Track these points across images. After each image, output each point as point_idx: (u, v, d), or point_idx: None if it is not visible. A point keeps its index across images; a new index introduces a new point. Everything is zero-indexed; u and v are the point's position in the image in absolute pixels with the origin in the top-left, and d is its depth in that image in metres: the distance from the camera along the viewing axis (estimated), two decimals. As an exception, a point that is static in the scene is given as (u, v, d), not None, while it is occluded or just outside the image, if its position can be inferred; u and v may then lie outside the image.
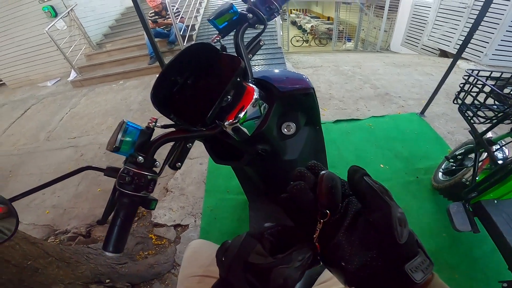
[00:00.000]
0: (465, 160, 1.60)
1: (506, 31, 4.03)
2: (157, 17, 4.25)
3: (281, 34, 4.23)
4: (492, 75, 1.27)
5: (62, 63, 4.95)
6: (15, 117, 3.97)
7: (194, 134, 0.56)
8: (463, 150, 1.59)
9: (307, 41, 11.49)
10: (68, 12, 4.65)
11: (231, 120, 0.56)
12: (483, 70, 1.27)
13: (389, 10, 7.42)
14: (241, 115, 0.56)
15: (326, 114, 2.54)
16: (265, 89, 0.75)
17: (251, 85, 0.60)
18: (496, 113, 1.20)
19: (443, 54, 5.37)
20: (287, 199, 0.29)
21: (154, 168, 0.51)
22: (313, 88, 0.81)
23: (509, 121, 1.19)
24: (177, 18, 4.09)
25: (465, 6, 4.61)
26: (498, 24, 4.01)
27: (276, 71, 0.87)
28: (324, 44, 11.35)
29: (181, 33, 4.11)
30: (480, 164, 1.37)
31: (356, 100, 2.81)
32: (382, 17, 7.79)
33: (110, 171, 0.48)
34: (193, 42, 0.62)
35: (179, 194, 1.95)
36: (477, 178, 1.34)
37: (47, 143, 3.06)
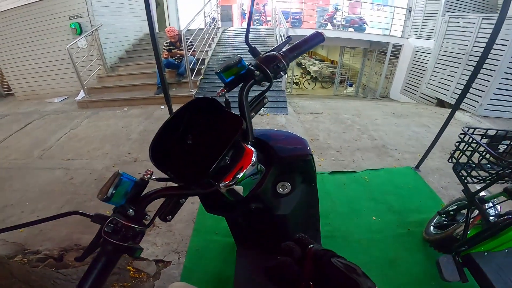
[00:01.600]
0: (457, 215, 1.62)
1: (502, 78, 4.09)
2: (171, 47, 4.46)
3: (286, 76, 4.40)
4: (487, 133, 1.29)
5: (73, 82, 5.07)
6: (14, 130, 3.98)
7: (189, 192, 0.56)
8: (455, 206, 1.61)
9: (298, 83, 11.88)
10: (92, 32, 4.88)
11: (227, 182, 0.55)
12: (479, 128, 1.28)
13: (391, 55, 7.66)
14: (239, 176, 0.55)
15: (323, 165, 2.53)
16: (264, 150, 0.75)
17: (250, 147, 0.59)
18: (490, 174, 1.21)
19: (440, 103, 5.49)
20: (274, 269, 0.33)
21: (143, 220, 0.50)
22: (312, 155, 0.81)
23: (502, 181, 1.20)
24: (189, 51, 4.27)
25: (464, 52, 4.75)
26: (494, 71, 4.08)
27: (276, 131, 0.88)
28: (327, 88, 11.79)
29: (190, 66, 4.28)
30: (471, 220, 1.38)
31: (353, 152, 2.83)
32: (383, 63, 8.06)
33: (97, 218, 0.47)
34: (197, 98, 0.63)
35: (165, 230, 1.89)
36: (468, 233, 1.34)
37: (39, 161, 3.03)
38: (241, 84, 0.66)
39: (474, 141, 1.24)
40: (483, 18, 4.37)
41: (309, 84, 12.21)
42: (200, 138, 0.60)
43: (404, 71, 7.11)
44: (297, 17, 8.82)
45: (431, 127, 3.58)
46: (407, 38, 7.19)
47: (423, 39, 6.61)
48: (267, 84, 0.68)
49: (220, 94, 0.64)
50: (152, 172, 0.52)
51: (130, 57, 5.77)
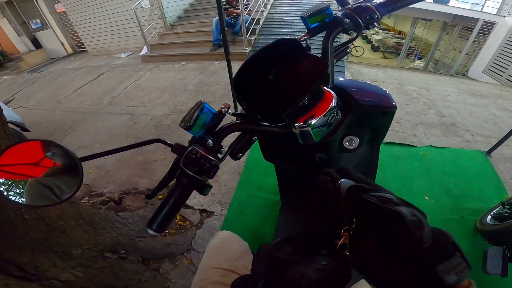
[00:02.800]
0: None
1: None
2: (227, 6, 4.43)
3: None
4: None
5: (139, 39, 5.46)
6: (88, 80, 4.53)
7: (264, 128, 0.55)
8: None
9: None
10: None
11: (301, 123, 0.53)
12: None
13: (479, 32, 6.67)
14: (314, 121, 0.53)
15: None
16: (342, 99, 0.71)
17: (330, 91, 0.57)
18: None
19: None
20: (314, 186, 0.33)
21: (218, 154, 0.51)
22: (396, 107, 0.75)
23: None
24: (246, 10, 4.21)
25: None
26: None
27: (356, 82, 0.83)
28: (389, 59, 10.57)
29: (246, 25, 4.23)
30: None
31: (415, 125, 2.55)
32: (467, 39, 7.00)
33: (177, 148, 0.48)
34: (282, 38, 0.59)
35: (212, 180, 2.01)
36: None
37: (109, 107, 3.43)
38: (326, 32, 0.65)
39: None
40: None
41: (361, 53, 10.93)
42: (281, 78, 0.59)
43: (493, 51, 6.13)
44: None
45: None
46: (504, 17, 6.14)
47: None
48: (355, 34, 0.66)
49: (303, 39, 0.62)
50: (229, 105, 0.52)
51: (188, 16, 5.94)
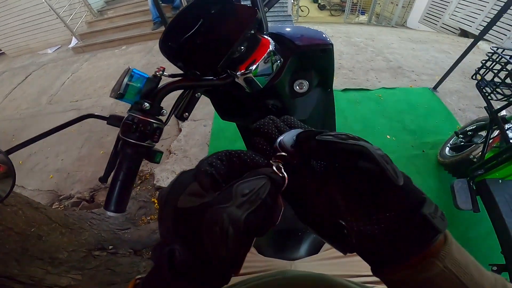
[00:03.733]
0: (475, 136, 1.60)
1: None
2: (163, -20, 4.08)
3: (292, 1, 4.01)
4: None
5: (63, 31, 4.85)
6: (16, 83, 3.93)
7: (204, 83, 0.53)
8: (475, 126, 1.58)
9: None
10: None
11: (243, 71, 0.53)
12: (508, 49, 1.26)
13: None
14: (254, 66, 0.53)
15: (335, 83, 2.40)
16: (280, 44, 0.71)
17: (266, 37, 0.58)
18: None
19: (463, 34, 5.16)
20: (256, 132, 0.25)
21: (160, 117, 0.48)
22: (332, 45, 0.74)
23: None
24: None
25: None
26: None
27: (292, 27, 0.82)
28: (336, 16, 10.85)
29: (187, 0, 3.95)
30: (490, 141, 1.37)
31: (366, 71, 2.69)
32: None
33: (113, 120, 0.45)
34: None
35: (182, 156, 1.94)
36: (485, 155, 1.34)
37: (50, 106, 3.04)
38: None
39: (503, 58, 1.22)
40: None
41: (306, 11, 11.16)
42: (213, 31, 0.57)
43: (426, 1, 6.50)
44: None
45: (452, 54, 3.34)
46: None
47: None
48: None
49: None
50: (164, 68, 0.49)
51: (118, -1, 5.35)
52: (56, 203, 1.83)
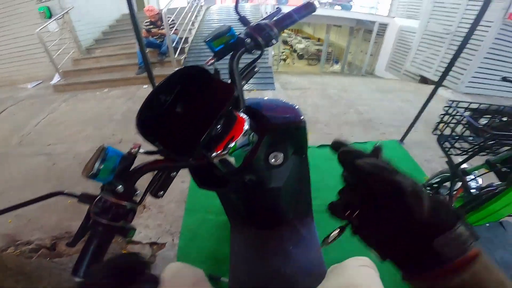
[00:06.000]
0: (440, 188, 1.63)
1: (484, 58, 4.30)
2: (152, 26, 4.28)
3: (273, 53, 4.34)
4: (470, 106, 1.30)
5: (47, 66, 4.80)
6: (-11, 118, 3.75)
7: (180, 164, 0.53)
8: (439, 179, 1.63)
9: (285, 59, 11.75)
10: (63, 15, 4.60)
11: (219, 152, 0.53)
12: (462, 101, 1.29)
13: (377, 34, 7.77)
14: (231, 145, 0.54)
15: (311, 138, 2.52)
16: (256, 118, 0.73)
17: (242, 115, 0.58)
18: (472, 145, 1.23)
19: (423, 80, 5.63)
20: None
21: (134, 197, 0.47)
22: (305, 122, 0.81)
23: (484, 153, 1.23)
24: (172, 30, 4.13)
25: (448, 32, 4.87)
26: (477, 50, 4.26)
27: (268, 100, 0.87)
28: (313, 65, 11.72)
29: (173, 45, 4.15)
30: (454, 193, 1.41)
31: (340, 125, 2.86)
32: (369, 41, 8.15)
33: (84, 198, 0.44)
34: (185, 66, 0.57)
35: (157, 211, 1.88)
36: None
37: (19, 148, 2.89)
38: (231, 53, 0.65)
39: (458, 113, 1.25)
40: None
41: (293, 63, 12.08)
42: (190, 108, 0.57)
43: (389, 50, 7.21)
44: (284, -6, 8.61)
45: (414, 102, 3.63)
46: (393, 18, 7.27)
47: (408, 18, 6.68)
48: (258, 52, 0.67)
49: (210, 63, 0.62)
50: (140, 145, 0.49)
51: (108, 38, 5.51)
52: (12, 247, 1.69)
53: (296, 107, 0.83)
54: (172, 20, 4.26)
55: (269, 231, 1.17)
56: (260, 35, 0.64)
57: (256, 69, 0.70)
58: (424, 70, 5.58)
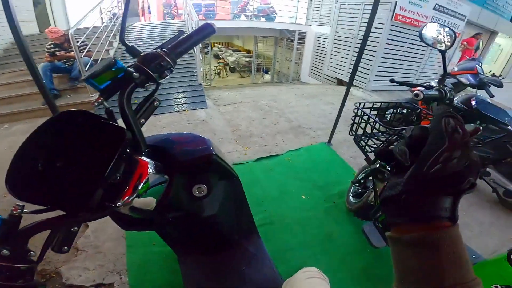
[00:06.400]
0: (367, 182, 1.76)
1: (381, 57, 5.06)
2: (56, 49, 3.75)
3: (201, 70, 4.31)
4: (374, 105, 1.44)
5: None
6: None
7: (79, 219, 0.47)
8: (364, 174, 1.77)
9: (219, 73, 11.97)
10: None
11: (126, 199, 0.49)
12: (367, 102, 1.41)
13: (298, 42, 8.34)
14: (134, 193, 0.50)
15: (248, 153, 2.59)
16: (164, 159, 0.69)
17: (144, 159, 0.54)
18: (382, 141, 1.35)
19: (340, 82, 6.29)
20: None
21: (31, 258, 0.44)
22: (215, 154, 0.78)
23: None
24: (83, 52, 3.71)
25: (352, 36, 5.54)
26: (375, 51, 4.98)
27: (176, 135, 0.84)
28: (245, 77, 12.10)
29: (86, 68, 3.71)
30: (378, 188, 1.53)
31: (274, 136, 2.98)
32: (293, 49, 8.71)
33: None
34: (64, 111, 0.51)
35: (94, 252, 1.64)
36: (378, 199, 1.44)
37: None
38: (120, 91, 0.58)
39: (364, 114, 1.37)
40: (365, 4, 5.09)
41: (227, 75, 12.29)
42: (78, 157, 0.51)
43: (310, 56, 7.88)
44: (211, 9, 8.72)
45: (335, 104, 4.04)
46: (310, 25, 7.99)
47: (322, 25, 7.45)
48: (153, 86, 0.61)
49: (96, 103, 0.55)
50: (23, 205, 0.43)
51: (3, 64, 4.61)
52: None
53: (207, 140, 0.82)
54: (83, 42, 3.83)
55: (218, 256, 1.15)
56: (149, 67, 0.57)
57: (156, 104, 0.64)
58: (338, 73, 6.23)
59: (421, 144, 0.31)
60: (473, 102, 1.05)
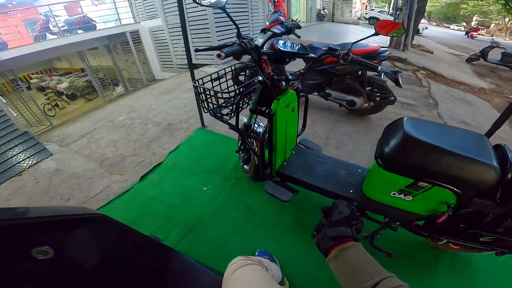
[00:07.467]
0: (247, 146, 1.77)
1: (216, 31, 5.35)
2: None
3: (15, 115, 3.33)
4: (212, 77, 1.47)
5: None
6: None
7: None
8: (241, 140, 1.83)
9: (57, 105, 9.99)
10: None
11: None
12: (202, 78, 1.41)
13: (134, 42, 7.78)
14: None
15: (129, 178, 2.27)
16: None
17: None
18: (233, 104, 1.40)
19: (194, 66, 6.41)
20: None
21: None
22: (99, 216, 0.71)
23: (245, 106, 1.46)
24: None
25: (178, 23, 5.57)
26: (209, 27, 5.23)
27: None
28: (93, 99, 10.36)
29: None
30: (254, 146, 1.60)
31: (147, 146, 2.72)
32: (132, 52, 8.09)
33: None
34: None
35: None
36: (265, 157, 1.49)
37: None
38: None
39: (205, 89, 1.37)
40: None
41: (68, 103, 10.19)
42: None
43: (154, 52, 7.49)
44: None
45: (192, 88, 4.05)
46: (139, 22, 7.51)
47: (152, 19, 7.07)
48: None
49: None
50: None
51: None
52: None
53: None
54: None
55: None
56: None
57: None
58: (185, 58, 6.23)
59: (330, 209, 0.71)
60: (276, 46, 1.24)
